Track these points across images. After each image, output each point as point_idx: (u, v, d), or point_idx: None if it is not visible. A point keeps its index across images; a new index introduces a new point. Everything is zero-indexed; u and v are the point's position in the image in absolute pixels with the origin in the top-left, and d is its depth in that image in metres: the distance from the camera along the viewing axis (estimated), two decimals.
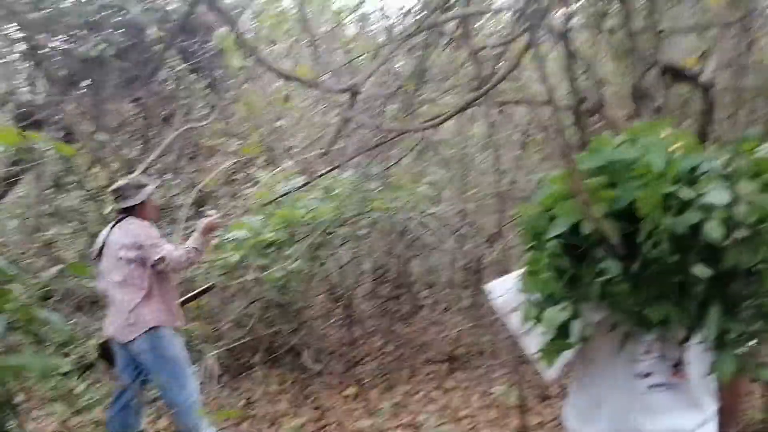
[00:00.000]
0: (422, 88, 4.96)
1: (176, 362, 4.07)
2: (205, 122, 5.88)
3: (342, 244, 6.44)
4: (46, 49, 6.19)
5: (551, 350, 1.78)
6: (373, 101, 4.77)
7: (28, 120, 6.04)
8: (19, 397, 5.30)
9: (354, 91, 2.49)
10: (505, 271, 6.29)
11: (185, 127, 5.15)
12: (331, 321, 7.02)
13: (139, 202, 4.18)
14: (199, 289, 5.18)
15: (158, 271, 4.11)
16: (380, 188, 5.63)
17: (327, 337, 6.60)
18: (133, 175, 4.54)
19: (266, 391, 5.31)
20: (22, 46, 6.30)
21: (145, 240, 4.06)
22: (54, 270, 2.41)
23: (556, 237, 1.69)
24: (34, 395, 5.35)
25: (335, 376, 5.77)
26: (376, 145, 4.54)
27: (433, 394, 5.23)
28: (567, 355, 1.84)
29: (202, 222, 4.23)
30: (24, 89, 6.07)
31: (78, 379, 5.14)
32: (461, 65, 5.01)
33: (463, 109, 2.68)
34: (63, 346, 5.89)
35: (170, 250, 4.06)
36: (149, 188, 4.27)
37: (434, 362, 5.98)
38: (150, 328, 4.03)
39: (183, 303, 4.94)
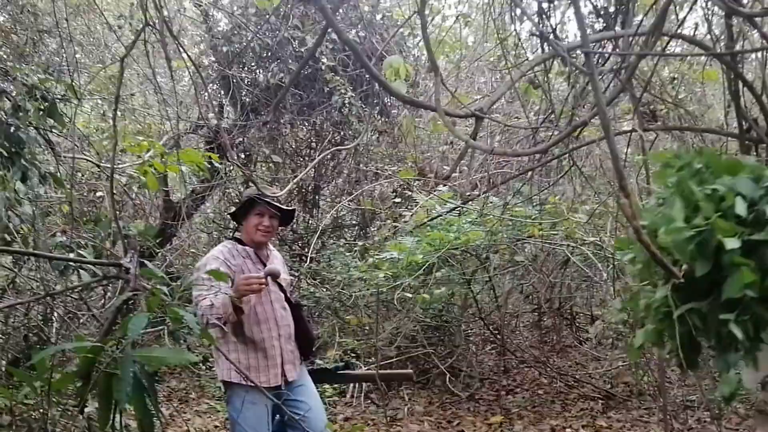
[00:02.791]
0: (579, 114, 4.80)
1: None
2: (361, 144, 6.12)
3: (498, 271, 6.39)
4: (235, 79, 6.81)
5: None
6: (527, 128, 4.69)
7: (215, 143, 6.69)
8: (192, 394, 5.86)
9: (477, 116, 2.50)
10: None
11: (331, 150, 5.39)
12: (486, 348, 6.97)
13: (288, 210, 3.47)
14: (396, 372, 5.00)
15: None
16: (536, 215, 5.52)
17: (480, 364, 6.55)
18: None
19: (412, 410, 5.37)
20: (214, 76, 6.99)
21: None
22: (195, 275, 2.67)
23: None
24: (205, 393, 5.86)
25: (483, 403, 5.70)
26: (528, 170, 4.46)
27: None
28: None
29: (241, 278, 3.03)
30: (212, 115, 6.73)
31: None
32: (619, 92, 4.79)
33: (573, 130, 2.59)
34: None
35: (203, 296, 3.02)
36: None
37: (589, 398, 5.70)
38: (223, 381, 3.27)
39: (367, 380, 4.52)
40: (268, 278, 3.02)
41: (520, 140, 5.71)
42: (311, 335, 3.49)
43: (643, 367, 5.65)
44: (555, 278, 6.82)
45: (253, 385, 2.87)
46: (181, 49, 2.57)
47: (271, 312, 3.23)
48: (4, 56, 4.96)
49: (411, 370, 4.51)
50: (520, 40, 4.59)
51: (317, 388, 3.49)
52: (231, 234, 3.85)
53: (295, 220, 6.46)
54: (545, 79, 4.16)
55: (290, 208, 3.51)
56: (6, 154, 4.13)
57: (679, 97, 4.96)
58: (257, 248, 3.33)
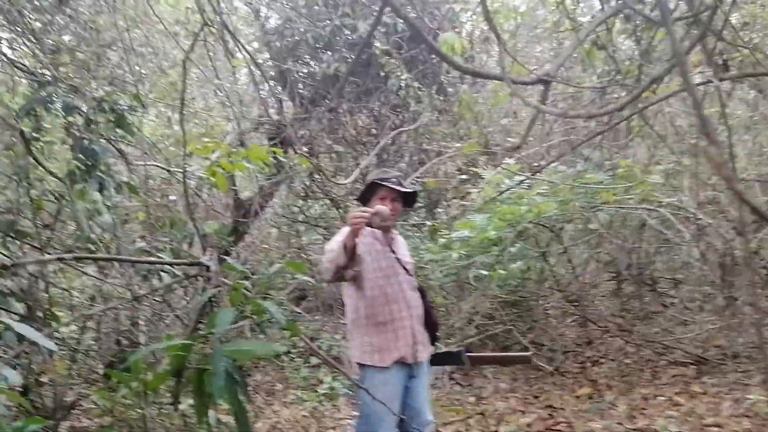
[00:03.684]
0: (646, 72, 4.62)
1: (368, 414, 3.24)
2: (421, 125, 6.05)
3: (573, 241, 6.25)
4: (291, 73, 6.86)
5: None
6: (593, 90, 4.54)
7: (277, 138, 6.76)
8: (278, 386, 5.97)
9: (545, 81, 2.43)
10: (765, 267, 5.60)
11: (394, 132, 5.35)
12: (567, 320, 6.83)
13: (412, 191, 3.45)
14: (515, 355, 4.89)
15: (356, 287, 3.30)
16: (608, 180, 5.36)
17: (562, 336, 6.43)
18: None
19: (497, 388, 5.32)
20: (271, 73, 7.06)
21: None
22: (276, 267, 2.69)
23: None
24: (290, 385, 5.96)
25: (568, 375, 5.60)
26: (596, 134, 4.33)
27: (676, 399, 4.83)
28: None
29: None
30: (272, 111, 6.80)
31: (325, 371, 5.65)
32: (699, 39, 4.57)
33: (651, 84, 2.46)
34: (312, 340, 6.50)
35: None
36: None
37: (680, 364, 5.52)
38: (356, 363, 3.32)
39: (488, 362, 4.45)
40: (376, 217, 3.00)
41: (585, 105, 5.54)
42: (436, 320, 3.50)
43: (737, 329, 5.43)
44: (633, 243, 6.62)
45: (382, 366, 3.17)
46: (239, 45, 2.58)
47: (400, 292, 3.28)
48: (71, 74, 5.13)
49: (529, 353, 4.34)
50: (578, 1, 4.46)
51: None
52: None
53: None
54: (609, 38, 4.02)
55: (412, 189, 3.46)
56: (83, 167, 4.28)
57: (754, 42, 4.70)
58: (383, 230, 3.30)
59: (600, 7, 3.93)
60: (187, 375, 2.47)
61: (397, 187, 3.30)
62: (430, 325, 3.41)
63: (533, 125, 3.14)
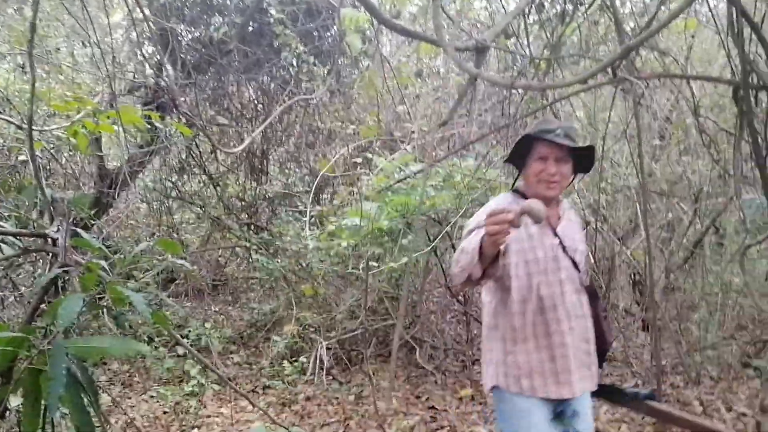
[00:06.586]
0: (557, 68, 4.49)
1: None
2: (315, 102, 5.67)
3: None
4: (174, 35, 6.23)
5: None
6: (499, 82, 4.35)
7: (154, 104, 6.13)
8: (136, 377, 5.39)
9: (480, 48, 2.14)
10: (639, 273, 5.65)
11: (289, 102, 4.95)
12: (447, 317, 6.69)
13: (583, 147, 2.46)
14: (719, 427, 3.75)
15: (499, 284, 2.46)
16: (504, 176, 5.23)
17: (443, 334, 6.26)
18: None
19: (377, 386, 5.05)
20: (150, 32, 6.38)
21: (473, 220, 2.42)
22: (143, 245, 2.24)
23: None
24: (151, 376, 5.41)
25: (450, 375, 5.43)
26: (500, 128, 4.14)
27: None
28: None
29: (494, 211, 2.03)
30: (150, 74, 6.17)
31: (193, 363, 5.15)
32: (603, 40, 4.50)
33: (592, 75, 2.23)
34: (180, 328, 5.95)
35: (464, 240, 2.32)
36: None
37: None
38: (491, 387, 2.51)
39: (683, 424, 3.25)
40: (524, 218, 2.00)
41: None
42: (608, 336, 2.54)
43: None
44: None
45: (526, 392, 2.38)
46: None
47: (560, 296, 2.39)
48: None
49: None
50: None
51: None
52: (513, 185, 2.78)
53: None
54: (523, 26, 3.83)
55: (585, 145, 2.47)
56: None
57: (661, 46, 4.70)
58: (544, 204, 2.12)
59: None
60: (18, 375, 1.98)
61: (565, 142, 2.34)
62: (600, 341, 2.50)
63: (463, 97, 2.85)
